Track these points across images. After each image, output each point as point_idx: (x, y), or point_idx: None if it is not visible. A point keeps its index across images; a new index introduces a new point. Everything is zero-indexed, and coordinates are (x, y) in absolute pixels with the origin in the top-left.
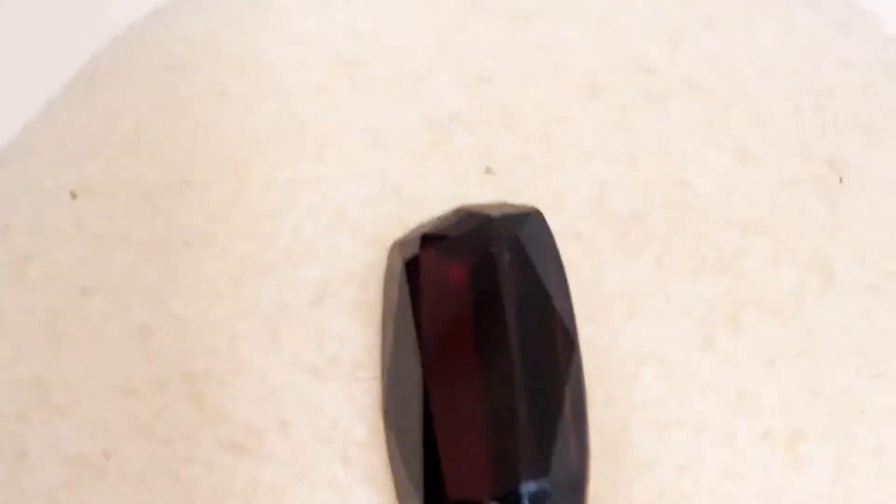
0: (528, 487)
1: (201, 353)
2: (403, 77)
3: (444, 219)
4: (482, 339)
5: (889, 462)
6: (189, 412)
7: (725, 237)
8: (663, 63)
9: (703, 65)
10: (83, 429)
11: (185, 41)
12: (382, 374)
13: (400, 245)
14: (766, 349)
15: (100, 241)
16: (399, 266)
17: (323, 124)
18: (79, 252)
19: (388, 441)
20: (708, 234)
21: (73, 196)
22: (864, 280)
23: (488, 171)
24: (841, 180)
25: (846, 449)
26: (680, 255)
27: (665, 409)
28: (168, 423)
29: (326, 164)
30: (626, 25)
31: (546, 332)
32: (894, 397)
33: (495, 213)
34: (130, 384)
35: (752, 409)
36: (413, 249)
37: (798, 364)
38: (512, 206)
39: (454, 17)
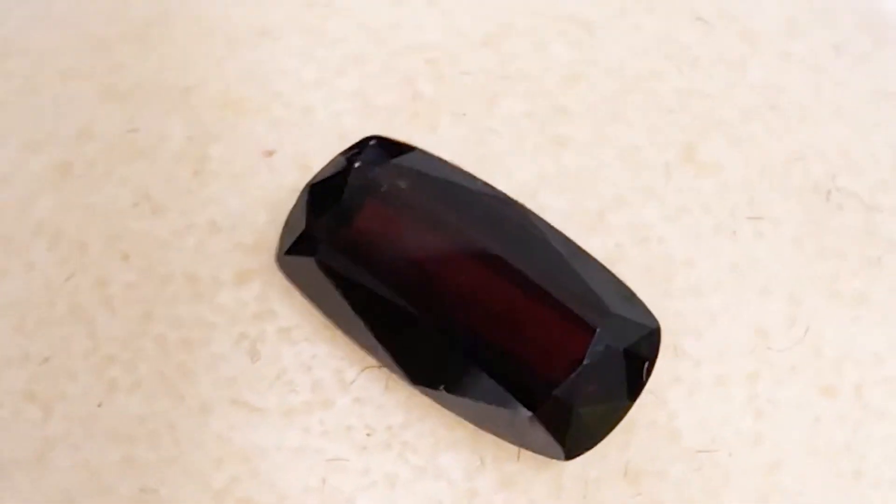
0: (607, 330)
1: None
2: None
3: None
4: (453, 246)
5: None
6: None
7: None
8: None
9: None
10: None
11: None
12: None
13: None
14: None
15: None
16: (310, 265)
17: None
18: None
19: (437, 401)
20: None
21: None
22: None
23: (267, 153)
24: None
25: None
26: None
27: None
28: None
29: None
30: None
31: (494, 210)
32: None
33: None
34: None
35: None
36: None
37: None
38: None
39: None
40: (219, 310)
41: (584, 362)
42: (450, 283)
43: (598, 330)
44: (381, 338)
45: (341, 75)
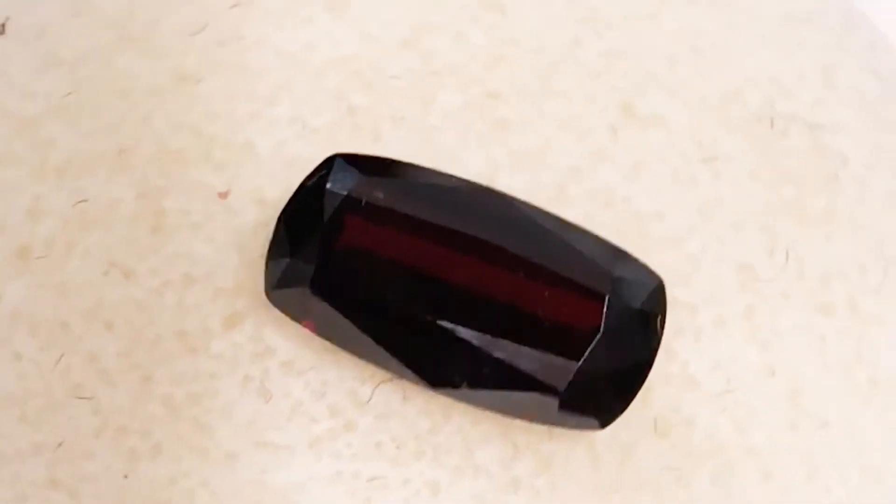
0: (615, 294)
1: None
2: None
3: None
4: (446, 244)
5: None
6: None
7: None
8: None
9: None
10: None
11: None
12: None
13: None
14: None
15: None
16: (304, 294)
17: None
18: None
19: (459, 400)
20: None
21: None
22: None
23: (223, 194)
24: None
25: None
26: None
27: None
28: None
29: None
30: None
31: (475, 201)
32: None
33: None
34: None
35: None
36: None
37: None
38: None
39: None
40: (217, 358)
41: (601, 331)
42: (452, 281)
43: (607, 296)
44: (392, 349)
45: (272, 105)
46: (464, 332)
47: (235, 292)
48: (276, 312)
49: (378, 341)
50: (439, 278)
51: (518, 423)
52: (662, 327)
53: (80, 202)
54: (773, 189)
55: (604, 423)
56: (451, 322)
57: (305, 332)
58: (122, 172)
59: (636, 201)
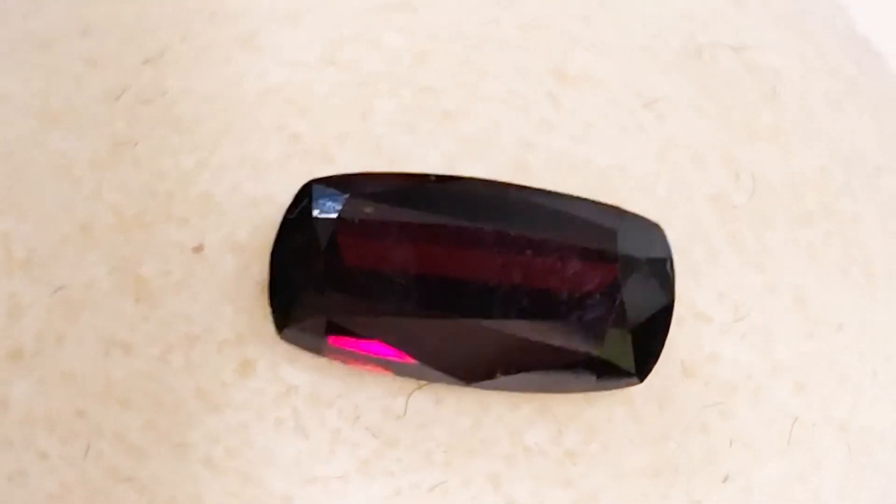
0: (625, 250)
1: None
2: None
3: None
4: (450, 241)
5: None
6: None
7: None
8: None
9: None
10: None
11: None
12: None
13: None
14: None
15: None
16: (319, 324)
17: None
18: None
19: (494, 389)
20: None
21: None
22: None
23: (197, 248)
24: None
25: None
26: None
27: None
28: None
29: None
30: None
31: (462, 193)
32: None
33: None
34: None
35: None
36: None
37: None
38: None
39: None
40: (242, 408)
41: (621, 289)
42: (465, 275)
43: (618, 254)
44: (421, 357)
45: (215, 150)
46: (489, 323)
47: (239, 341)
48: (286, 350)
49: (406, 352)
50: (452, 276)
51: (554, 397)
52: (673, 270)
53: (57, 290)
54: (719, 117)
55: (642, 375)
56: (474, 316)
57: (321, 361)
58: (89, 251)
59: (595, 160)
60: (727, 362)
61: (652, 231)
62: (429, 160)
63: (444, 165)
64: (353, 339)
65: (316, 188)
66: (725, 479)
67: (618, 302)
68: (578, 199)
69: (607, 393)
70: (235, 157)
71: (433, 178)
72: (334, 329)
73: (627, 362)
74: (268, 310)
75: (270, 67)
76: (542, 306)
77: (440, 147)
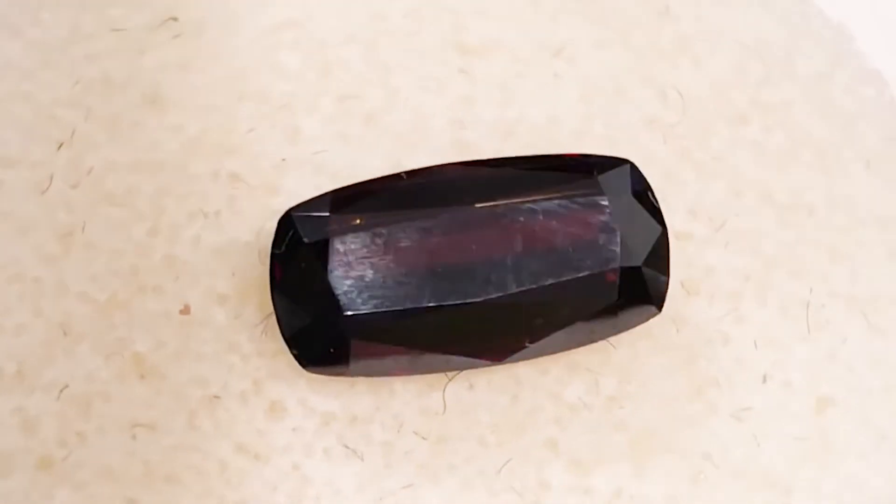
0: (610, 193)
1: None
2: None
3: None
4: (450, 230)
5: None
6: None
7: None
8: None
9: None
10: None
11: None
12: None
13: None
14: None
15: None
16: (345, 349)
17: None
18: None
19: (523, 358)
20: None
21: None
22: None
23: (184, 310)
24: None
25: None
26: None
27: None
28: None
29: None
30: None
31: (443, 182)
32: None
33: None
34: None
35: None
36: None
37: None
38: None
39: None
40: (287, 450)
41: (618, 228)
42: (473, 258)
43: (606, 198)
44: (450, 350)
45: (161, 212)
46: (505, 298)
47: (258, 387)
48: (308, 381)
49: (436, 349)
50: (459, 261)
51: (579, 352)
52: (655, 197)
53: (61, 392)
54: (622, 46)
55: (659, 304)
56: (491, 293)
57: (346, 382)
58: (77, 345)
59: (527, 119)
60: (723, 271)
61: (624, 167)
62: (371, 163)
63: (388, 165)
64: (379, 349)
65: (296, 217)
66: (764, 379)
67: (620, 241)
68: (547, 157)
69: (626, 334)
70: (183, 212)
71: (404, 175)
72: (359, 346)
73: (644, 295)
74: (276, 348)
75: (183, 119)
76: (552, 266)
77: (377, 148)
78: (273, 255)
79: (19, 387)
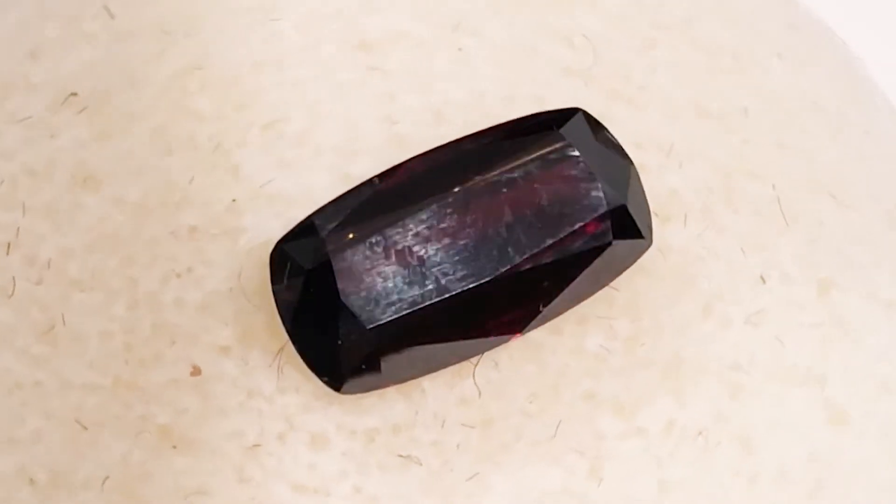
0: (582, 147)
1: None
2: None
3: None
4: (446, 221)
5: None
6: None
7: None
8: None
9: None
10: None
11: None
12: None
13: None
14: None
15: None
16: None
17: None
18: None
19: (540, 323)
20: None
21: None
22: None
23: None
24: None
25: None
26: None
27: None
28: None
29: None
30: None
31: (427, 174)
32: None
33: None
34: None
35: None
36: None
37: None
38: None
39: None
40: (344, 475)
41: (595, 175)
42: (473, 241)
43: (574, 148)
44: (474, 333)
45: (132, 287)
46: (513, 269)
47: (292, 424)
48: (341, 404)
49: (461, 336)
50: (459, 248)
51: (584, 304)
52: (612, 135)
53: (103, 484)
54: (516, 6)
55: (650, 235)
56: (498, 270)
57: (375, 397)
58: (99, 435)
59: (452, 98)
60: (688, 191)
61: (578, 115)
62: (320, 181)
63: (336, 178)
64: (407, 352)
65: (289, 247)
66: (763, 280)
67: (602, 187)
68: (502, 125)
69: (622, 277)
70: (155, 279)
71: (376, 180)
72: (389, 355)
73: (634, 230)
74: (297, 382)
75: (120, 189)
76: (547, 226)
77: (320, 164)
78: (276, 293)
79: (58, 493)
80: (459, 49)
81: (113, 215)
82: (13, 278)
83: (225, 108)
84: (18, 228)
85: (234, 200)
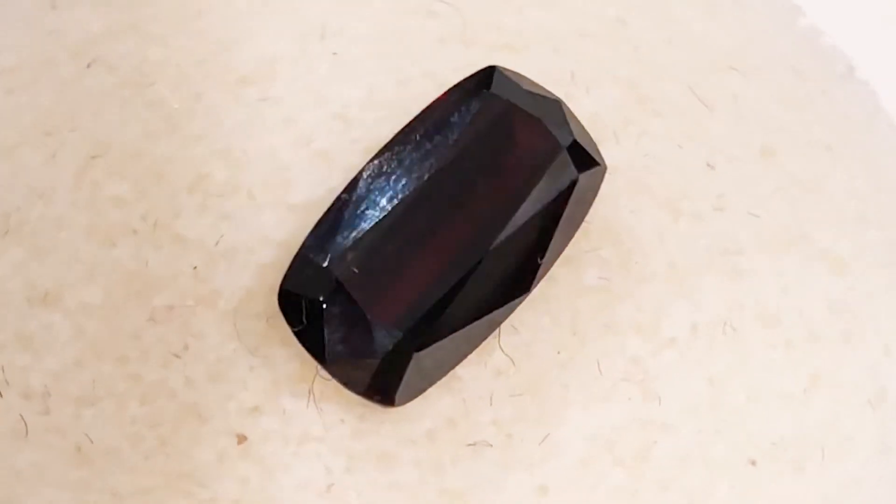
0: (541, 112)
1: None
2: None
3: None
4: (440, 219)
5: None
6: None
7: None
8: None
9: None
10: None
11: None
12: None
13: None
14: None
15: None
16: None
17: None
18: None
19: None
20: None
21: None
22: None
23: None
24: None
25: None
26: None
27: None
28: None
29: None
30: None
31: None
32: None
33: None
34: None
35: None
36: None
37: None
38: None
39: None
40: (423, 484)
41: (539, 122)
42: (462, 223)
43: (506, 102)
44: (491, 307)
45: (137, 383)
46: (505, 234)
47: (356, 453)
48: (392, 418)
49: (482, 313)
50: (452, 235)
51: (569, 249)
52: (527, 80)
53: None
54: None
55: (602, 161)
56: (494, 241)
57: (419, 400)
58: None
59: (352, 102)
60: (607, 111)
61: (497, 72)
62: (270, 220)
63: (287, 215)
64: (439, 348)
65: (293, 288)
66: (712, 167)
67: (553, 132)
68: (429, 108)
69: (597, 219)
70: (155, 368)
71: (344, 196)
72: (425, 359)
73: (589, 159)
74: (339, 414)
75: (78, 299)
76: (518, 185)
77: (265, 209)
78: (298, 335)
79: None
80: (334, 53)
81: (85, 323)
82: (21, 416)
83: (143, 184)
84: (3, 367)
85: (195, 268)
